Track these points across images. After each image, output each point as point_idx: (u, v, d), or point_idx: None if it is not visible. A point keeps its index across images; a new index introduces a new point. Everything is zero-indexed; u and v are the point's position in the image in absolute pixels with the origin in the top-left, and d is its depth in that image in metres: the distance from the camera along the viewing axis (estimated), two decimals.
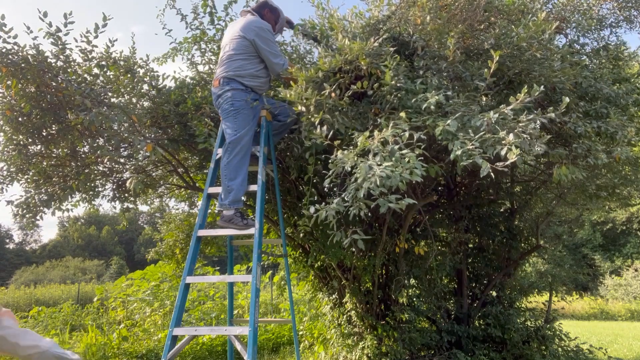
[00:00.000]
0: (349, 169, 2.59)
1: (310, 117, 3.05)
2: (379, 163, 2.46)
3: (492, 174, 2.38)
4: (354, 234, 2.71)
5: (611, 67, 4.38)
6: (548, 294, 6.73)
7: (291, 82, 3.19)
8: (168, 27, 4.53)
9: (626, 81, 4.35)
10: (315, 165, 3.42)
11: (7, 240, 50.77)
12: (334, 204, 2.58)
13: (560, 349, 5.67)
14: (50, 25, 3.59)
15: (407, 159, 2.46)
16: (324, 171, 3.06)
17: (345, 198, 2.56)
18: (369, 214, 2.59)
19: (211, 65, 4.54)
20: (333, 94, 3.04)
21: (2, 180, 4.23)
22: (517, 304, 6.06)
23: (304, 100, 3.03)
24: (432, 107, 2.71)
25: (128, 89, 4.01)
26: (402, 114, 2.74)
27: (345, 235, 2.79)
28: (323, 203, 2.82)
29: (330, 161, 2.73)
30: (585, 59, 4.10)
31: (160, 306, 8.70)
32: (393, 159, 2.47)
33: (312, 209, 2.68)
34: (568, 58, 3.51)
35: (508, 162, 2.38)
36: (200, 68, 4.57)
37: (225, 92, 3.47)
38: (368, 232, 4.42)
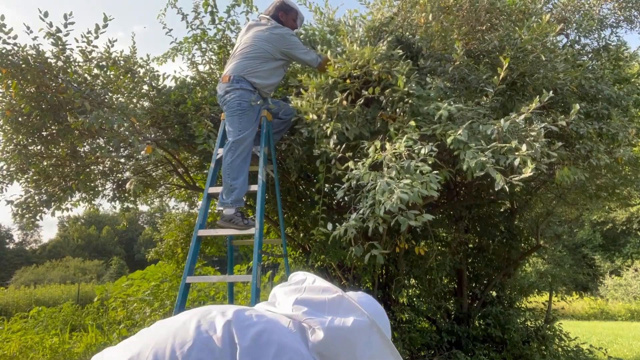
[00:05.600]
0: (366, 182, 2.59)
1: (322, 125, 3.06)
2: (393, 177, 2.47)
3: (506, 187, 2.36)
4: (371, 247, 2.71)
5: (612, 68, 4.37)
6: (548, 294, 6.73)
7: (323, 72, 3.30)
8: (169, 26, 4.53)
9: (627, 81, 4.35)
10: (327, 174, 3.41)
11: (7, 240, 50.72)
12: (352, 219, 2.59)
13: (560, 349, 5.67)
14: (50, 25, 3.58)
15: (421, 172, 2.46)
16: (332, 179, 3.06)
17: (361, 212, 2.57)
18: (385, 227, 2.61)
19: (212, 65, 4.54)
20: (344, 102, 3.04)
21: (2, 180, 4.23)
22: (517, 304, 6.06)
23: (316, 109, 3.04)
24: (443, 117, 2.71)
25: (128, 89, 4.00)
26: (412, 123, 2.74)
27: (363, 250, 2.79)
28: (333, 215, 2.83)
29: (342, 171, 2.73)
30: (586, 60, 4.10)
31: (160, 306, 8.69)
32: (408, 174, 2.48)
33: (329, 226, 2.69)
34: (570, 60, 3.50)
35: (523, 176, 2.35)
36: (201, 68, 4.57)
37: (234, 90, 3.48)
38: (368, 236, 4.42)
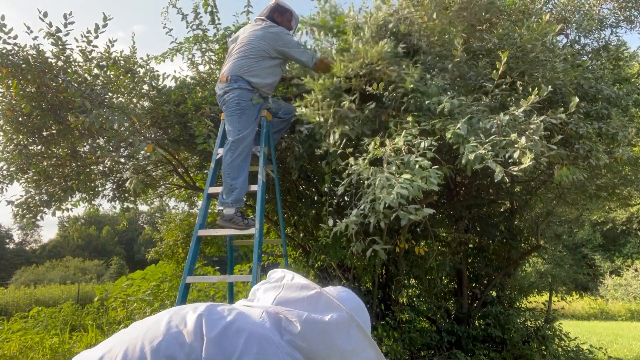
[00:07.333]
0: (365, 177, 2.59)
1: (328, 129, 3.07)
2: (393, 173, 2.47)
3: (506, 178, 2.36)
4: (372, 243, 2.72)
5: (612, 68, 4.38)
6: (548, 294, 6.73)
7: (329, 66, 3.30)
8: (169, 26, 4.53)
9: (626, 81, 4.35)
10: (333, 175, 3.41)
11: (7, 240, 50.67)
12: (353, 215, 2.59)
13: (560, 349, 5.67)
14: (50, 25, 3.58)
15: (421, 167, 2.46)
16: (336, 181, 3.06)
17: (362, 208, 2.57)
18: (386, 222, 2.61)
19: (212, 65, 4.54)
20: (352, 105, 3.05)
21: (2, 180, 4.23)
22: (517, 304, 6.06)
23: (321, 112, 3.05)
24: (445, 110, 2.71)
25: (128, 89, 4.00)
26: (410, 118, 2.74)
27: (365, 246, 2.79)
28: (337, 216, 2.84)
29: (343, 167, 2.73)
30: (586, 60, 4.10)
31: (161, 306, 8.69)
32: (408, 169, 2.48)
33: (330, 222, 2.70)
34: (570, 59, 3.50)
35: (523, 167, 2.36)
36: (201, 68, 4.58)
37: (233, 89, 3.48)
38: (369, 232, 4.42)
